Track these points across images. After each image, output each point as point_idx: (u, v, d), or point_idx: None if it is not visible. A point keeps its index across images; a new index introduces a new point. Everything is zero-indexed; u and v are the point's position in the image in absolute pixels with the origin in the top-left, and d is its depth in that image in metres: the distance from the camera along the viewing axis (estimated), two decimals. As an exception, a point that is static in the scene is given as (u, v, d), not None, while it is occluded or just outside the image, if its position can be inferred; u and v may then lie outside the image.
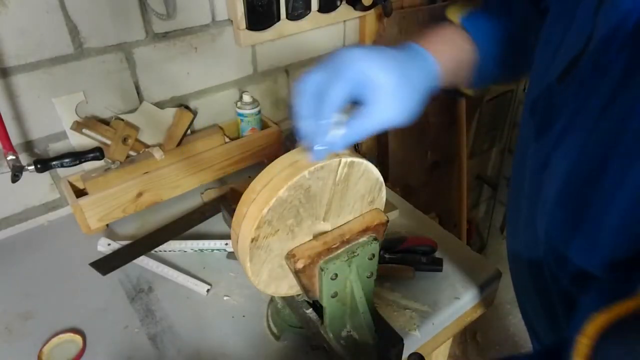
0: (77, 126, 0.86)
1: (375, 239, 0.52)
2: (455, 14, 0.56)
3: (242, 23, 0.96)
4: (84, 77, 0.87)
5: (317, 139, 0.43)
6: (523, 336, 1.79)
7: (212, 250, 0.86)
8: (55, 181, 0.95)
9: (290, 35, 1.07)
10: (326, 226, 0.51)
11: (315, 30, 1.12)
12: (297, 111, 0.44)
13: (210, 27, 0.98)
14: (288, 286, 0.54)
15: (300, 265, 0.48)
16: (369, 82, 0.42)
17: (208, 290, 0.78)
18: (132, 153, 0.95)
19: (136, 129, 0.95)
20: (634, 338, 0.29)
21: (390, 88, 0.43)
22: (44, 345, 0.70)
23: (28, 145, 0.88)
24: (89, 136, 0.88)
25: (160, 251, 0.87)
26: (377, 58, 0.43)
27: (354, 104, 0.45)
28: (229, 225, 0.62)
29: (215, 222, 0.93)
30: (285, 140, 1.11)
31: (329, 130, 0.43)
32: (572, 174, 0.39)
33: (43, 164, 0.83)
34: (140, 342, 0.71)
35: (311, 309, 0.58)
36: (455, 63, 0.53)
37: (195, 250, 0.87)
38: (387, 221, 0.53)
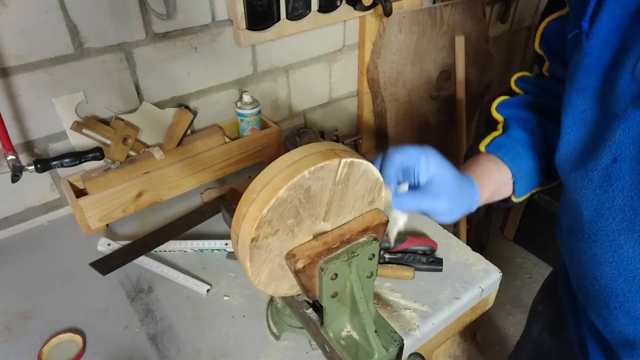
0: (77, 126, 0.86)
1: (375, 239, 0.52)
2: (482, 145, 0.66)
3: (242, 23, 0.96)
4: (84, 77, 0.87)
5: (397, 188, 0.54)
6: (523, 336, 1.79)
7: (212, 250, 0.86)
8: (55, 181, 0.95)
9: (290, 35, 1.07)
10: (326, 226, 0.51)
11: (315, 30, 1.12)
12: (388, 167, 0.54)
13: (210, 27, 0.98)
14: (288, 286, 0.54)
15: (300, 265, 0.48)
16: (442, 178, 0.55)
17: (208, 290, 0.78)
18: (132, 153, 0.95)
19: (136, 129, 0.95)
20: None
21: (451, 188, 0.55)
22: (44, 345, 0.70)
23: (28, 145, 0.88)
24: (89, 136, 0.88)
25: (160, 251, 0.87)
26: (450, 167, 0.56)
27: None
28: (229, 225, 0.62)
29: (215, 222, 0.93)
30: (285, 140, 1.11)
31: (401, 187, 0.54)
32: None
33: (43, 164, 0.83)
34: (140, 342, 0.71)
35: (311, 309, 0.58)
36: (493, 184, 0.62)
37: (195, 250, 0.87)
38: (387, 221, 0.53)
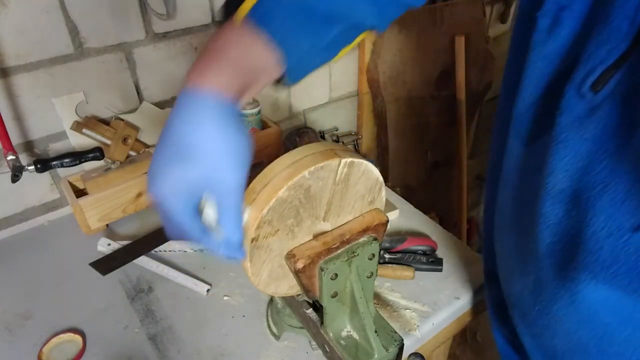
0: (77, 126, 0.86)
1: (375, 239, 0.52)
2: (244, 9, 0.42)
3: (242, 23, 0.96)
4: (84, 77, 0.87)
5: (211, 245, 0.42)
6: (523, 336, 1.79)
7: (212, 250, 0.86)
8: (55, 181, 0.95)
9: (290, 35, 1.07)
10: (326, 226, 0.51)
11: (315, 30, 1.12)
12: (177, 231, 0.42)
13: (210, 27, 0.98)
14: (288, 286, 0.54)
15: (300, 265, 0.48)
16: (219, 189, 0.39)
17: (208, 290, 0.78)
18: (132, 153, 0.95)
19: (136, 129, 0.95)
20: None
21: (236, 183, 0.40)
22: (44, 345, 0.70)
23: (28, 145, 0.88)
24: (89, 136, 0.88)
25: (160, 251, 0.87)
26: (163, 177, 0.39)
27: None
28: (229, 225, 0.62)
29: (215, 222, 0.93)
30: (285, 140, 1.11)
31: (211, 234, 0.41)
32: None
33: (43, 164, 0.83)
34: (140, 342, 0.71)
35: (311, 309, 0.58)
36: (244, 80, 0.42)
37: (195, 250, 0.87)
38: (387, 221, 0.53)
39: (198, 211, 0.41)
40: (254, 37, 0.41)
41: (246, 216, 0.44)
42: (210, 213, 0.40)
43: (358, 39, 0.49)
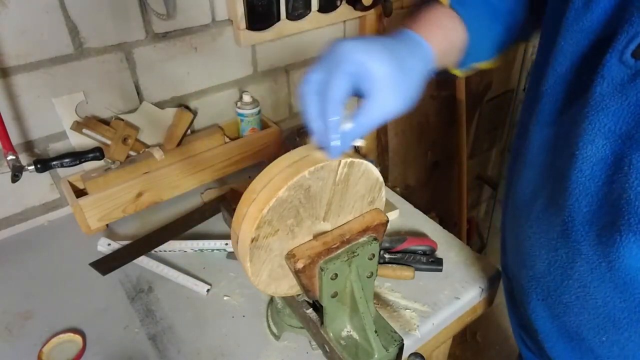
0: (77, 126, 0.86)
1: (375, 239, 0.52)
2: None
3: (242, 23, 0.96)
4: (84, 77, 0.87)
5: (331, 137, 0.45)
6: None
7: (212, 250, 0.86)
8: (55, 181, 0.95)
9: (290, 35, 1.07)
10: (326, 226, 0.51)
11: (315, 30, 1.12)
12: (305, 113, 0.46)
13: (210, 27, 0.98)
14: (288, 286, 0.54)
15: (300, 265, 0.48)
16: (367, 75, 0.43)
17: (208, 290, 0.78)
18: (132, 153, 0.95)
19: (136, 129, 0.95)
20: None
21: (388, 79, 0.44)
22: (44, 345, 0.70)
23: (28, 145, 0.88)
24: (89, 136, 0.88)
25: (160, 251, 0.87)
26: (372, 49, 0.44)
27: (358, 96, 0.46)
28: (229, 225, 0.62)
29: (215, 222, 0.93)
30: (285, 140, 1.11)
31: (339, 127, 0.44)
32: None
33: (43, 164, 0.83)
34: (140, 342, 0.71)
35: (311, 309, 0.58)
36: (447, 44, 0.54)
37: (195, 250, 0.87)
38: (387, 221, 0.53)
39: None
40: (455, 15, 0.55)
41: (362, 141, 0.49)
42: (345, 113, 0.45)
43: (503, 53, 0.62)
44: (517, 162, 0.60)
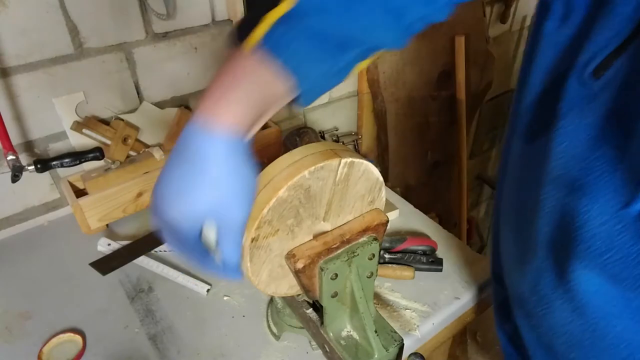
0: (77, 126, 0.86)
1: (375, 239, 0.52)
2: (259, 33, 0.39)
3: (242, 23, 0.96)
4: (84, 77, 0.87)
5: (213, 269, 0.42)
6: (523, 336, 1.79)
7: (212, 250, 0.86)
8: (55, 181, 0.95)
9: (290, 35, 1.07)
10: (326, 226, 0.51)
11: (315, 30, 1.12)
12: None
13: (210, 27, 0.98)
14: (288, 286, 0.54)
15: (300, 265, 0.48)
16: (224, 223, 0.40)
17: (208, 290, 0.78)
18: (132, 153, 0.95)
19: (136, 129, 0.95)
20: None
21: (242, 219, 0.41)
22: (44, 345, 0.70)
23: (28, 145, 0.88)
24: (89, 136, 0.88)
25: (160, 251, 0.87)
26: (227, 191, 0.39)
27: None
28: (229, 225, 0.62)
29: (215, 222, 0.93)
30: (285, 140, 1.11)
31: (211, 260, 0.42)
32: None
33: (43, 164, 0.83)
34: (140, 342, 0.71)
35: (311, 309, 0.58)
36: (263, 112, 0.41)
37: (195, 250, 0.86)
38: (387, 221, 0.53)
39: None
40: (267, 66, 0.39)
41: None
42: (210, 235, 0.40)
43: (374, 57, 0.46)
44: (501, 171, 0.60)
